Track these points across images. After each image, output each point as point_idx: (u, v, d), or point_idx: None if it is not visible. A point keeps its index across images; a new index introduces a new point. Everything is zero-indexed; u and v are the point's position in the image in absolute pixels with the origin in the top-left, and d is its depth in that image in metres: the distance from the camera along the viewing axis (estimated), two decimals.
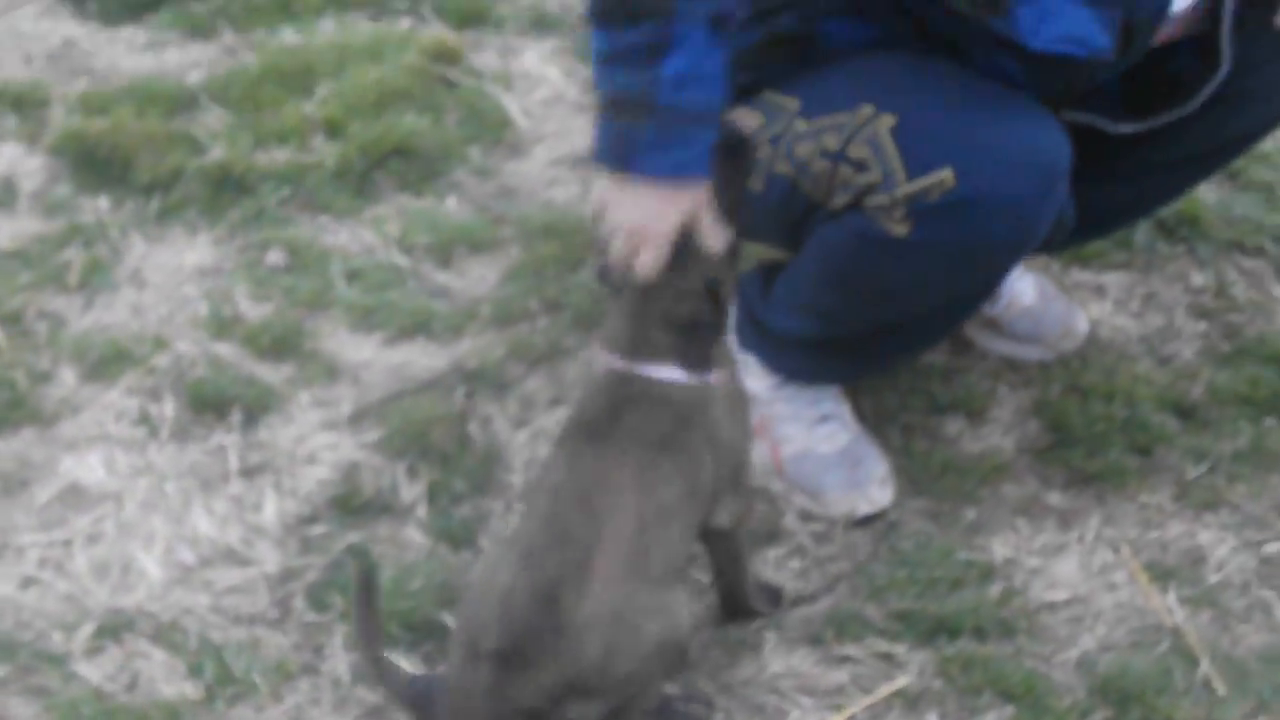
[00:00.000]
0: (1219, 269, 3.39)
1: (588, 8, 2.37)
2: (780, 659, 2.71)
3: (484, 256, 3.39)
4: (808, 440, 2.96)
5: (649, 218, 2.39)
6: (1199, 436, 3.07)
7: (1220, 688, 2.65)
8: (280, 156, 3.55)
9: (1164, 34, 2.61)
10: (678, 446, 2.44)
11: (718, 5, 2.35)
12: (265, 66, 3.79)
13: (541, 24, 4.03)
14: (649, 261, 2.37)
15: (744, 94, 2.67)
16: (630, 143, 2.38)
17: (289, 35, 3.93)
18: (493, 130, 3.67)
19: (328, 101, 3.69)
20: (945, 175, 2.46)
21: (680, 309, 2.44)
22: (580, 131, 3.71)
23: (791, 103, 2.64)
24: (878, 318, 2.71)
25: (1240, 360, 3.21)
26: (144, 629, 2.71)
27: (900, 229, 2.51)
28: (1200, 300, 3.34)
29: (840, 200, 2.57)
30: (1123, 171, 2.81)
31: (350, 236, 3.42)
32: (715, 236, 2.42)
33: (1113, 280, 3.36)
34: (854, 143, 2.53)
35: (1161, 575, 2.84)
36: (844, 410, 2.99)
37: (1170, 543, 2.91)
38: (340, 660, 2.67)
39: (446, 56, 3.82)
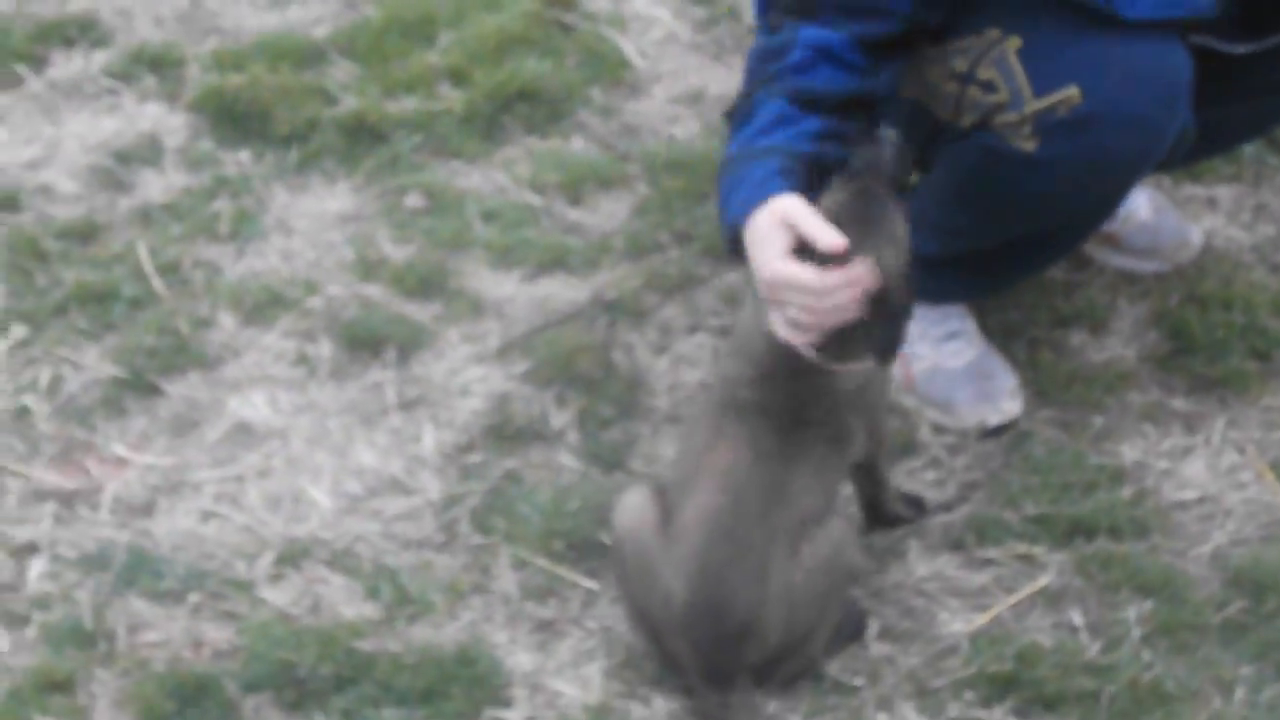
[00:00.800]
0: None
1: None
2: (925, 564, 2.84)
3: (612, 193, 3.51)
4: (937, 356, 3.08)
5: (760, 261, 2.48)
6: None
7: None
8: (409, 105, 3.68)
9: None
10: (848, 436, 2.58)
11: (795, 85, 2.54)
12: (387, 18, 3.91)
13: None
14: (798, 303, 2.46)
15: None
16: (722, 202, 2.56)
17: None
18: (611, 71, 3.79)
19: (450, 50, 3.81)
20: (1071, 92, 2.57)
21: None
22: (695, 69, 3.83)
23: None
24: (1004, 234, 2.83)
25: None
26: (321, 556, 2.85)
27: (1029, 145, 2.62)
28: None
29: (969, 119, 2.69)
30: (1239, 91, 2.90)
31: (483, 179, 3.54)
32: (825, 237, 2.47)
33: (1224, 193, 3.45)
34: (982, 64, 2.64)
35: None
36: (970, 326, 3.11)
37: None
38: (508, 579, 2.81)
39: (561, 2, 3.93)
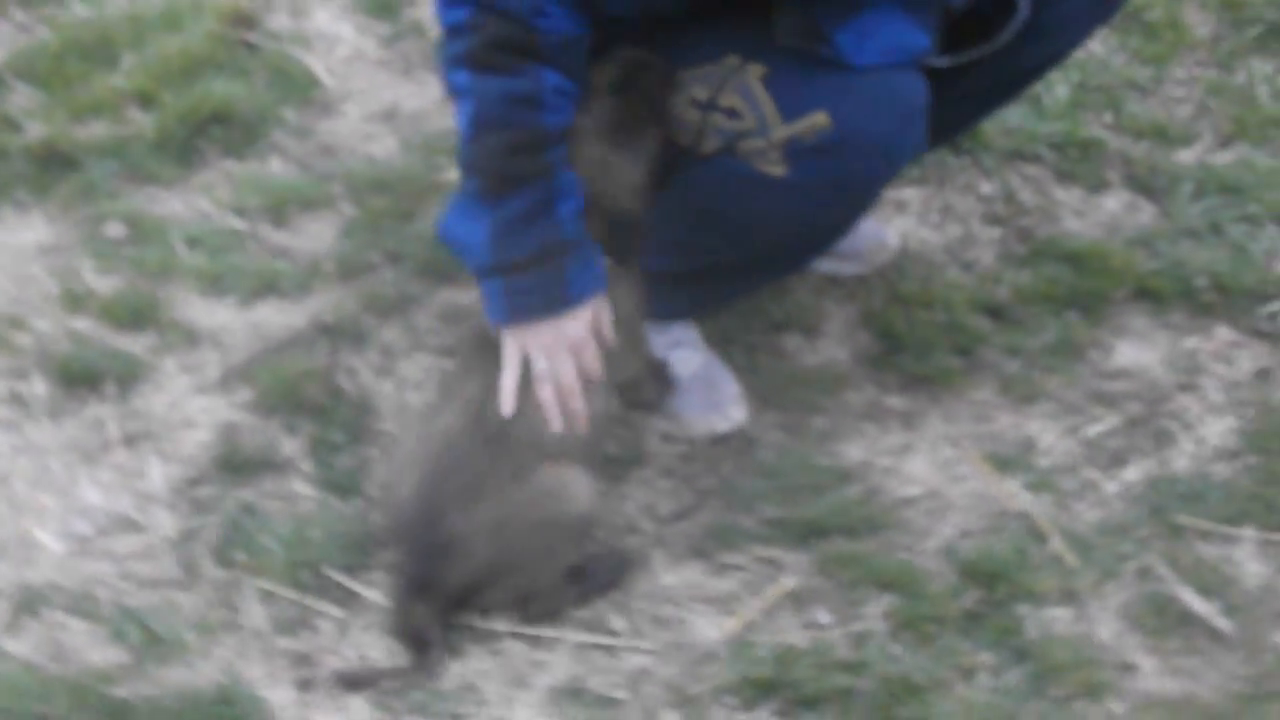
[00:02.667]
0: (1004, 177, 3.62)
1: (475, 193, 2.61)
2: (671, 572, 2.86)
3: (317, 214, 3.46)
4: None
5: (575, 338, 2.67)
6: (1011, 334, 3.29)
7: (1070, 560, 2.88)
8: (99, 130, 3.57)
9: None
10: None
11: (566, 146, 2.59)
12: (65, 41, 3.79)
13: None
14: (587, 366, 2.66)
15: (594, 54, 2.78)
16: (562, 283, 2.63)
17: (80, 9, 3.93)
18: (301, 90, 3.73)
19: (134, 72, 3.71)
20: (819, 118, 2.62)
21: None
22: (385, 86, 3.80)
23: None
24: (744, 251, 2.86)
25: (1036, 261, 3.44)
26: (58, 601, 2.75)
27: (777, 170, 2.66)
28: (992, 208, 3.57)
29: (712, 145, 2.72)
30: (943, 98, 3.00)
31: (183, 204, 3.46)
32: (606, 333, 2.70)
33: (911, 195, 3.56)
34: (724, 91, 2.67)
35: (1000, 465, 3.05)
36: (693, 335, 3.14)
37: (1001, 434, 3.12)
38: (257, 613, 2.75)
39: (244, 21, 3.86)
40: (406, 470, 2.66)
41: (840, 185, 2.67)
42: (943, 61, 2.91)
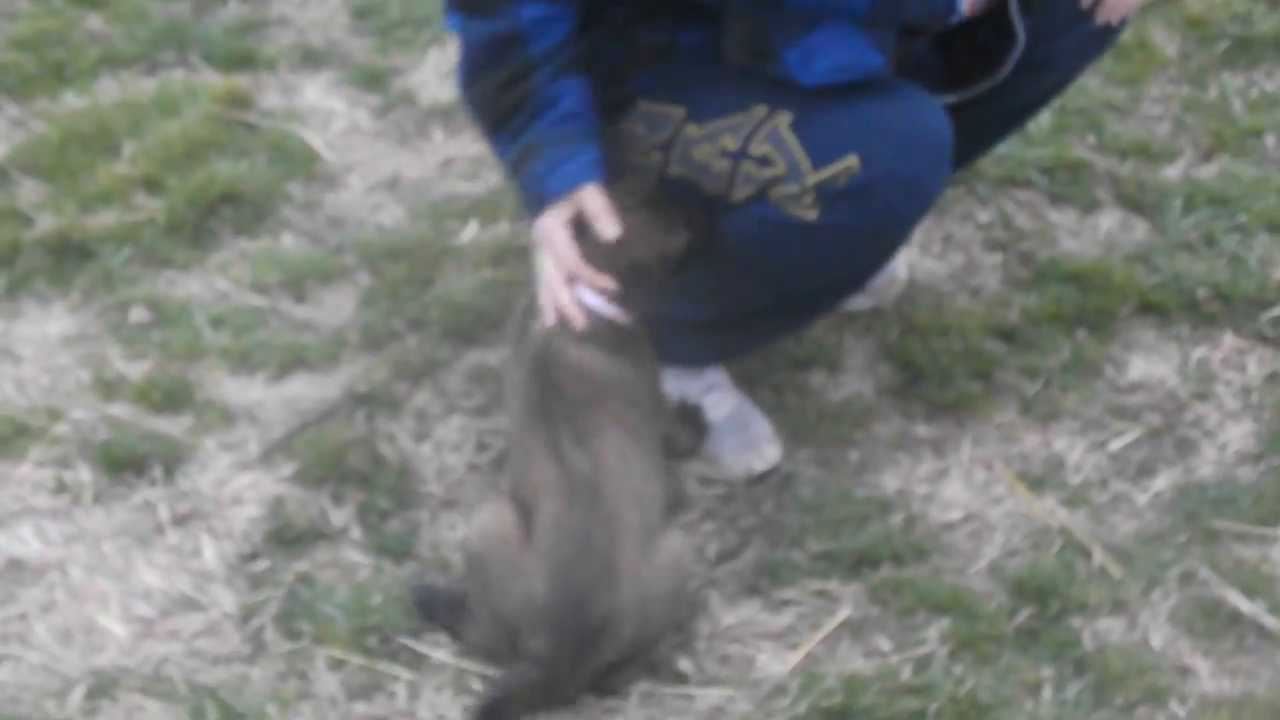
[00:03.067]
0: (999, 204, 3.71)
1: (479, 121, 2.81)
2: (730, 612, 2.92)
3: (335, 286, 3.51)
4: None
5: (542, 232, 2.73)
6: (1026, 356, 3.38)
7: (1115, 571, 2.95)
8: (109, 218, 3.61)
9: (970, 9, 2.88)
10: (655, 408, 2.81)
11: (568, 54, 2.72)
12: (64, 133, 3.82)
13: (312, 59, 4.14)
14: (560, 255, 2.73)
15: (618, 108, 2.86)
16: (535, 179, 2.73)
17: (72, 100, 3.96)
18: (303, 165, 3.78)
19: (137, 159, 3.75)
20: (851, 161, 2.69)
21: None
22: (384, 156, 3.85)
23: (677, 110, 2.83)
24: (777, 297, 2.92)
25: (1041, 283, 3.53)
26: (130, 684, 2.78)
27: (810, 214, 2.73)
28: (991, 234, 3.65)
29: (743, 193, 2.78)
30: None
31: (202, 285, 3.50)
32: (607, 226, 2.73)
33: None
34: (755, 140, 2.74)
35: (1033, 483, 3.13)
36: (724, 379, 3.21)
37: (1030, 454, 3.20)
38: (329, 681, 2.79)
39: (239, 101, 3.90)
40: (529, 563, 2.67)
41: (873, 226, 2.74)
42: (949, 98, 2.98)
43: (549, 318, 2.76)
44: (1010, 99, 3.10)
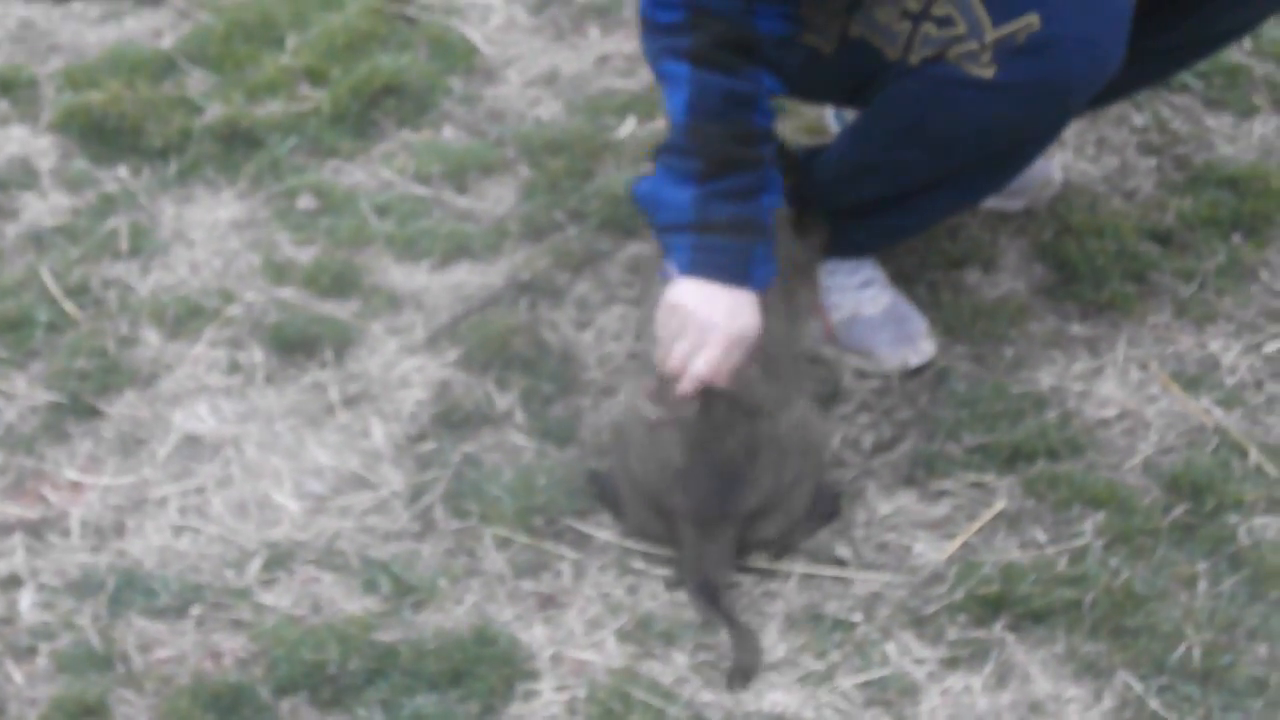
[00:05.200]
0: (1154, 109, 3.71)
1: (692, 172, 2.76)
2: (886, 502, 2.97)
3: (496, 178, 3.57)
4: (855, 305, 3.21)
5: (724, 317, 2.75)
6: (1182, 259, 3.39)
7: (1271, 471, 2.98)
8: (275, 108, 3.68)
9: None
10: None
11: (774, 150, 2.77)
12: (229, 24, 3.89)
13: None
14: (711, 359, 2.72)
15: None
16: (750, 259, 2.77)
17: None
18: (463, 59, 3.83)
19: (301, 51, 3.81)
20: (1031, 19, 2.72)
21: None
22: (542, 52, 3.90)
23: None
24: (939, 167, 2.95)
25: (1196, 187, 3.54)
26: (305, 557, 2.86)
27: (986, 72, 2.76)
28: (1146, 138, 3.66)
29: (920, 55, 2.81)
30: (1170, 23, 3.08)
31: (367, 174, 3.57)
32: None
33: (1067, 131, 3.63)
34: (937, 1, 2.77)
35: (1188, 384, 3.15)
36: (881, 274, 3.24)
37: (1184, 355, 3.22)
38: (496, 559, 2.86)
39: None
40: (659, 432, 2.76)
41: (1049, 84, 2.76)
42: None
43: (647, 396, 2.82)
44: (1201, 30, 3.10)
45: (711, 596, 2.73)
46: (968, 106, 2.80)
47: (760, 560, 2.84)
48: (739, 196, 2.76)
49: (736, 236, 2.76)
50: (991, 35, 2.73)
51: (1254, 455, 2.98)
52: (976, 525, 2.91)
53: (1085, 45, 2.73)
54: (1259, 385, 3.14)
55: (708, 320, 2.73)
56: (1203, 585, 2.80)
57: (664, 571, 2.83)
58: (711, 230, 2.76)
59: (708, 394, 2.75)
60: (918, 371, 3.17)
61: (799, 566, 2.84)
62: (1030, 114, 2.83)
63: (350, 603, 2.79)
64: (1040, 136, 2.96)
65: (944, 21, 2.76)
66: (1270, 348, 3.20)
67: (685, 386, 2.73)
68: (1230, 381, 3.14)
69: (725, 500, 2.74)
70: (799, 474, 2.79)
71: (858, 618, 2.78)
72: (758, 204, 2.78)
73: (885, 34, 2.84)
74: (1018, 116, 2.82)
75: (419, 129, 3.67)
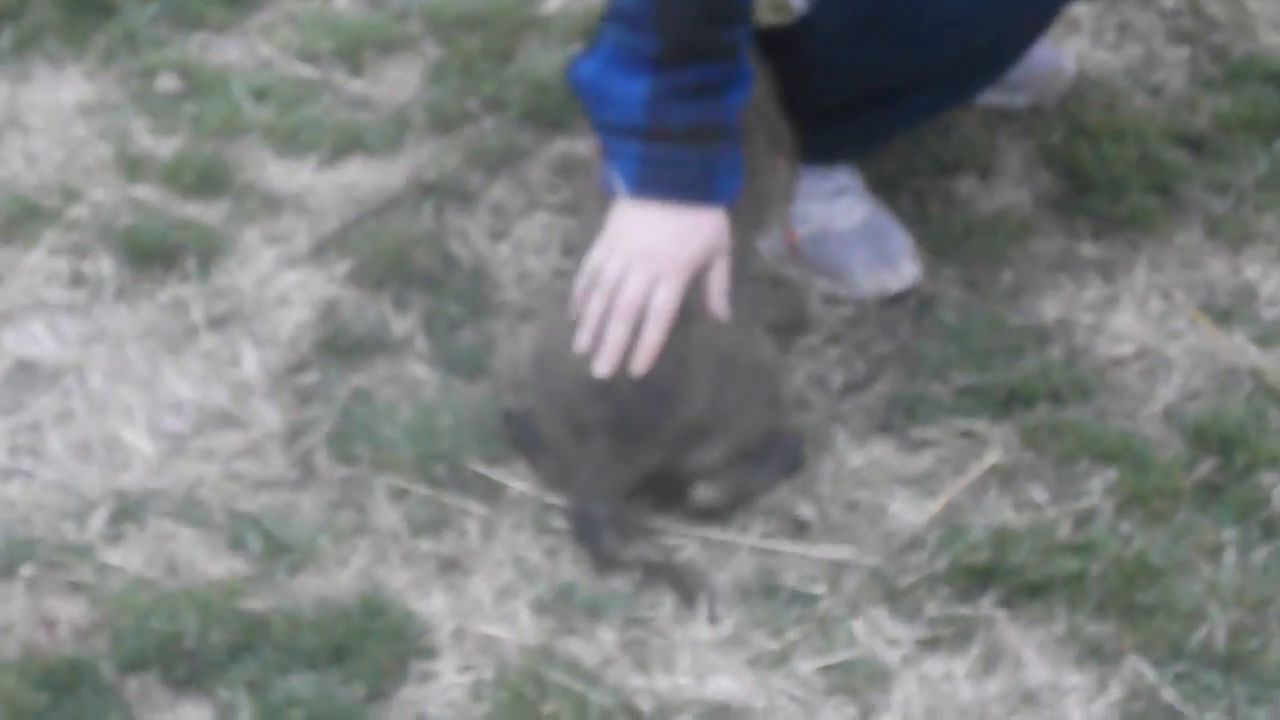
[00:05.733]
0: None
1: (649, 54, 2.71)
2: (857, 452, 2.97)
3: (398, 57, 3.55)
4: (825, 217, 3.21)
5: (675, 243, 2.77)
6: (1216, 168, 3.40)
7: None
8: None
9: None
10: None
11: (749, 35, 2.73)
12: None
13: None
14: (670, 293, 2.74)
15: None
16: (714, 170, 2.76)
17: None
18: None
19: None
20: None
21: None
22: None
23: None
24: (922, 62, 2.95)
25: (1235, 83, 3.54)
26: (161, 508, 2.85)
27: None
28: (1177, 24, 3.66)
29: None
30: None
31: (242, 51, 3.55)
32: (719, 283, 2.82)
33: (1083, 13, 3.64)
34: None
35: (1219, 317, 3.16)
36: (857, 181, 3.24)
37: (1216, 282, 3.23)
38: (390, 514, 2.85)
39: None
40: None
41: None
42: None
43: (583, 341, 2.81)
44: None
45: (596, 532, 2.76)
46: None
47: (705, 525, 2.81)
48: (702, 93, 2.74)
49: (697, 146, 2.76)
50: None
51: None
52: (964, 481, 2.91)
53: None
54: None
55: (666, 253, 2.76)
56: (1230, 556, 2.81)
57: None
58: (667, 139, 2.75)
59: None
60: (899, 298, 3.17)
61: (750, 535, 2.83)
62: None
63: (213, 564, 2.78)
64: (1030, 27, 2.96)
65: None
66: None
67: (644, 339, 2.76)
68: (1270, 315, 3.16)
69: (650, 410, 2.73)
70: (745, 395, 2.80)
71: (820, 589, 2.78)
72: (724, 103, 2.76)
73: None
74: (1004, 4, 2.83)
75: None
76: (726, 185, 2.79)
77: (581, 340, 2.78)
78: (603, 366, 2.76)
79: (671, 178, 2.76)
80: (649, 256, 2.77)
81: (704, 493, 2.82)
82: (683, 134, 2.74)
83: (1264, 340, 3.12)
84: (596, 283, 2.79)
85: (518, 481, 2.90)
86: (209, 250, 3.19)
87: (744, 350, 2.84)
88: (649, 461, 2.79)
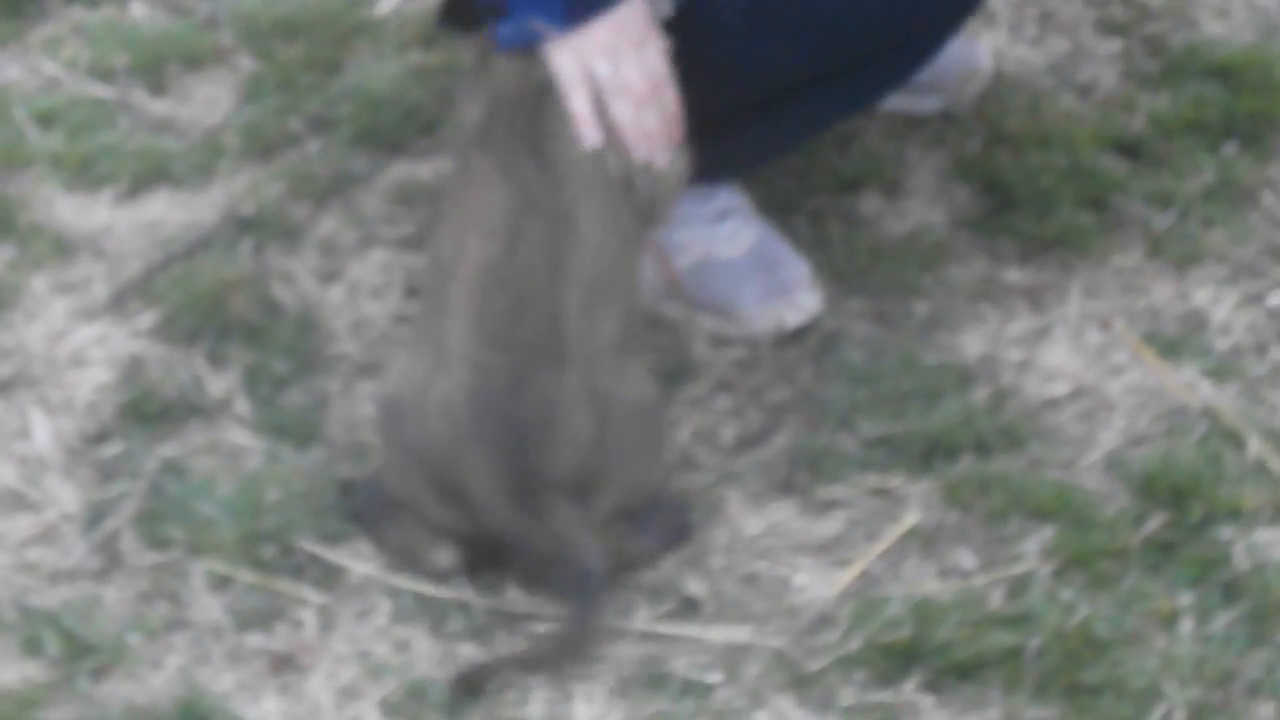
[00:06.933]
0: None
1: None
2: (754, 517, 2.97)
3: (207, 73, 3.55)
4: (708, 244, 3.21)
5: (635, 32, 2.83)
6: (1156, 177, 3.42)
7: (1278, 466, 3.00)
8: None
9: None
10: None
11: None
12: None
13: None
14: (651, 60, 2.81)
15: None
16: None
17: None
18: None
19: None
20: None
21: None
22: None
23: None
24: (812, 60, 2.96)
25: (1174, 79, 3.58)
26: None
27: None
28: (1106, 12, 3.69)
29: None
30: None
31: (24, 69, 3.53)
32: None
33: (1000, 2, 3.65)
34: None
35: (1166, 348, 3.18)
36: (743, 201, 3.24)
37: (1161, 309, 3.25)
38: (210, 605, 2.83)
39: None
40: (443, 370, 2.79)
41: None
42: None
43: (591, 137, 2.85)
44: None
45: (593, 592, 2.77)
46: None
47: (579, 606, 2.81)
48: None
49: None
50: None
51: (1255, 445, 3.02)
52: (879, 547, 2.92)
53: None
54: (1261, 350, 3.18)
55: (612, 55, 2.83)
56: (1186, 625, 2.82)
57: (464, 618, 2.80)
58: None
59: (506, 334, 2.78)
60: (796, 335, 3.18)
61: (634, 618, 2.82)
62: None
63: (4, 670, 2.75)
64: (936, 21, 2.97)
65: None
66: (1276, 299, 3.23)
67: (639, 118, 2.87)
68: (1223, 345, 3.18)
69: (538, 456, 2.75)
70: (631, 437, 2.81)
71: (716, 678, 2.78)
72: None
73: None
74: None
75: (96, 6, 3.63)
76: None
77: (589, 134, 2.85)
78: (639, 150, 2.89)
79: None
80: (613, 50, 2.83)
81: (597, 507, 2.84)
82: None
83: (1217, 374, 3.13)
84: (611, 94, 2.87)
85: (360, 563, 2.89)
86: None
87: (626, 388, 2.84)
88: (537, 498, 2.79)
